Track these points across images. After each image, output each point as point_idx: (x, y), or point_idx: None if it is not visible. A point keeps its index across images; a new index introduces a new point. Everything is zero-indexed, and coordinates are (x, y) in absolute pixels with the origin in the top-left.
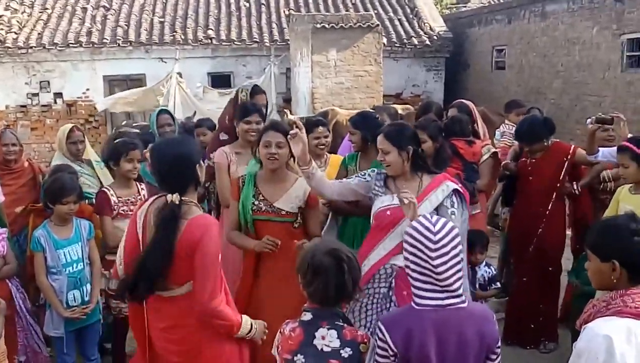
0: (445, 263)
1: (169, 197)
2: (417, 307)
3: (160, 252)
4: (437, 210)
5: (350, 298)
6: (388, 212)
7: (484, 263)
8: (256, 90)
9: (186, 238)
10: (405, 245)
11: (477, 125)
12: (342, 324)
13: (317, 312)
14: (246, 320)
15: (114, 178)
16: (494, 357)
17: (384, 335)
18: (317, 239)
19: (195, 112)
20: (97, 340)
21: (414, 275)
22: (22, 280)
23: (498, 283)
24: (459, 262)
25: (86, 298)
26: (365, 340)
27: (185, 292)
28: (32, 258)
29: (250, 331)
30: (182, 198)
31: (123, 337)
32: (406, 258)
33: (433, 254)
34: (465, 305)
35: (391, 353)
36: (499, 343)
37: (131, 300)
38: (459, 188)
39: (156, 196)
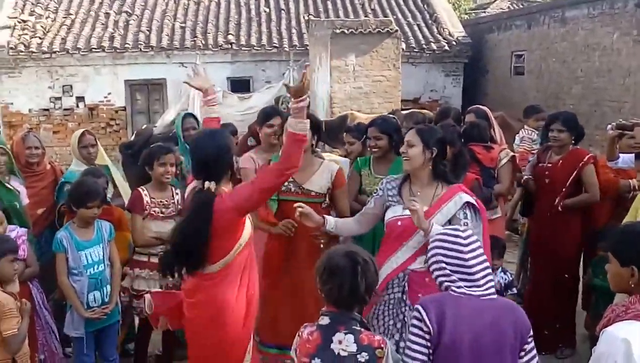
0: (475, 258)
1: (206, 184)
2: (454, 294)
3: (194, 232)
4: (450, 221)
5: (364, 302)
6: (399, 223)
7: (500, 269)
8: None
9: (218, 213)
10: (441, 251)
11: (494, 130)
12: (359, 329)
13: (334, 316)
14: None
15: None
16: (527, 347)
17: (420, 313)
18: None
19: None
20: (116, 341)
21: (450, 271)
22: (43, 280)
23: (514, 289)
24: (487, 265)
25: (106, 299)
26: (382, 345)
27: (219, 269)
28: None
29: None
30: (217, 186)
31: (147, 338)
32: (440, 261)
33: (467, 255)
34: (496, 296)
35: (425, 330)
36: (531, 332)
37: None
38: (473, 201)
39: (194, 188)
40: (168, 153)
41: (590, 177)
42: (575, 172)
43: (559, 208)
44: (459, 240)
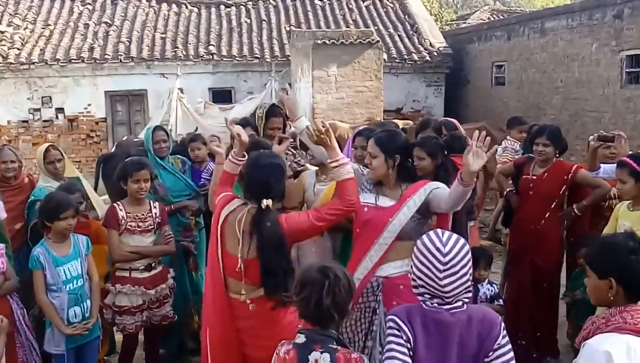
0: (452, 282)
1: (263, 202)
2: (423, 306)
3: (274, 250)
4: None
5: (332, 319)
6: (365, 209)
7: (486, 281)
8: (274, 112)
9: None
10: (415, 261)
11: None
12: (335, 347)
13: (310, 334)
14: None
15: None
16: (492, 354)
17: (396, 322)
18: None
19: (197, 128)
20: (96, 356)
21: (421, 289)
22: (21, 296)
23: (501, 301)
24: (467, 280)
25: (87, 315)
26: (360, 362)
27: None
28: None
29: None
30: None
31: (131, 352)
32: (414, 273)
33: (441, 275)
34: (464, 308)
35: (405, 339)
36: (499, 340)
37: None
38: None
39: (233, 206)
40: (141, 169)
41: (589, 178)
42: (565, 184)
43: (574, 213)
44: (438, 256)
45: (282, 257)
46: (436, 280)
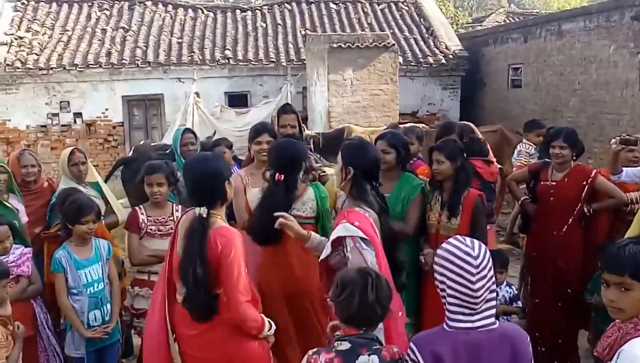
0: (484, 286)
1: (197, 210)
2: (448, 329)
3: (192, 262)
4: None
5: (375, 318)
6: None
7: (504, 283)
8: (285, 109)
9: (210, 247)
10: (444, 271)
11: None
12: (379, 347)
13: (353, 339)
14: (265, 318)
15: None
16: None
17: (415, 355)
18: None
19: (215, 132)
20: (116, 359)
21: (451, 299)
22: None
23: (520, 302)
24: (492, 286)
25: (107, 318)
26: (402, 354)
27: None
28: (51, 282)
29: (270, 329)
30: (210, 211)
31: None
32: (442, 282)
33: (474, 278)
34: (496, 326)
35: None
36: (530, 359)
37: (197, 319)
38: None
39: (185, 211)
40: (153, 173)
41: (606, 185)
42: (585, 189)
43: (588, 212)
44: (470, 261)
45: (196, 267)
46: (469, 285)
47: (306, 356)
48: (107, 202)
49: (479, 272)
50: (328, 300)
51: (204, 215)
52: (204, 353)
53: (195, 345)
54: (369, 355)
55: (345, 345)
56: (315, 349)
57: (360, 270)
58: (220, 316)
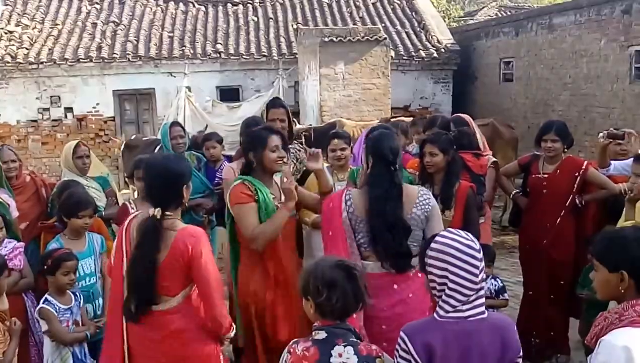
0: (482, 278)
1: (151, 210)
2: (439, 319)
3: (143, 265)
4: None
5: (353, 309)
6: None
7: (490, 276)
8: (274, 103)
9: (177, 248)
10: (446, 265)
11: (477, 137)
12: (355, 340)
13: (330, 329)
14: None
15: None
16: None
17: (406, 345)
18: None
19: (207, 126)
20: None
21: (451, 292)
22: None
23: (506, 295)
24: (483, 274)
25: (98, 312)
26: (380, 354)
27: (178, 302)
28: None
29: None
30: (165, 212)
31: None
32: (443, 276)
33: (479, 270)
34: (485, 315)
35: (414, 362)
36: (520, 353)
37: (128, 319)
38: None
39: (138, 212)
40: (139, 168)
41: (598, 177)
42: (577, 181)
43: (580, 204)
44: (474, 254)
45: (145, 268)
46: (473, 279)
47: (287, 347)
48: (108, 196)
49: (481, 261)
50: (303, 299)
51: (158, 216)
52: (163, 358)
53: (154, 349)
54: (344, 346)
55: (321, 335)
56: (295, 339)
57: (338, 266)
58: (184, 320)
